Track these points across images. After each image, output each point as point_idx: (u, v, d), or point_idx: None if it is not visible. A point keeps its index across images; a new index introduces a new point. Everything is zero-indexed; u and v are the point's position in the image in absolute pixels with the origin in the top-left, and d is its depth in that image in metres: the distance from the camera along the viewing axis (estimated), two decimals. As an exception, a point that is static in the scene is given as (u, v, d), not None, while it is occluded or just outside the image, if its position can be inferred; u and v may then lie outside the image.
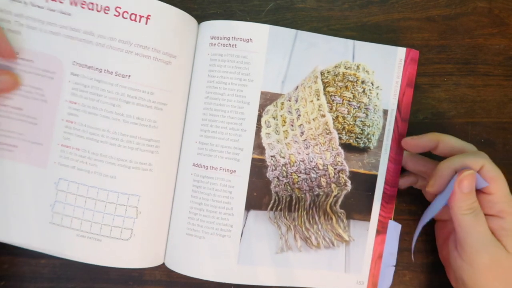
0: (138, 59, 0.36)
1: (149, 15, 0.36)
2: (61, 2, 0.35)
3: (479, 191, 0.34)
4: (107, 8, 0.35)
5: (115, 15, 0.35)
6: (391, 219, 0.39)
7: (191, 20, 0.39)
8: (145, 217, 0.37)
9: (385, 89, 0.39)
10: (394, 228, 0.39)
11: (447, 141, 0.36)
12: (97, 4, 0.35)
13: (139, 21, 0.36)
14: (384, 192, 0.39)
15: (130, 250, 0.37)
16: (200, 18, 0.40)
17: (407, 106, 0.39)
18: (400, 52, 0.39)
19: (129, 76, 0.36)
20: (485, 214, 0.34)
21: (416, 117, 0.42)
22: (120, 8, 0.35)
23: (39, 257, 0.40)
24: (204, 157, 0.38)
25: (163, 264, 0.39)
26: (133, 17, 0.36)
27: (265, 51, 0.38)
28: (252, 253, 0.38)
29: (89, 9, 0.35)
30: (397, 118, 0.39)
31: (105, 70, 0.36)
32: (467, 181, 0.32)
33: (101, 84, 0.36)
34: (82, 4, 0.35)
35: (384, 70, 0.39)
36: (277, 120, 0.39)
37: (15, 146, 0.36)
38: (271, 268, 0.38)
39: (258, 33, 0.38)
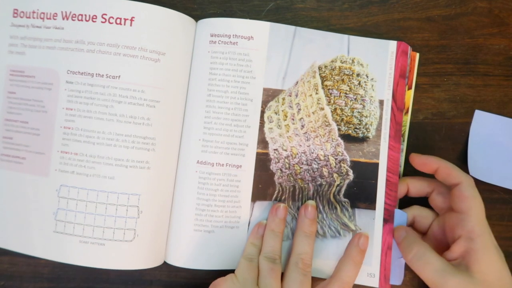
0: (126, 60, 0.37)
1: (133, 17, 0.37)
2: (54, 19, 0.38)
3: (452, 211, 0.35)
4: (94, 17, 0.37)
5: (102, 21, 0.37)
6: (396, 208, 0.39)
7: (183, 17, 0.39)
8: (147, 216, 0.37)
9: (380, 81, 0.40)
10: (400, 217, 0.39)
11: (446, 168, 0.36)
12: (85, 15, 0.37)
13: (124, 24, 0.37)
14: (387, 180, 0.39)
15: (134, 251, 0.37)
16: (200, 18, 0.40)
17: (401, 96, 0.40)
18: (392, 45, 0.40)
19: (118, 76, 0.37)
20: (456, 237, 0.34)
21: (416, 117, 0.42)
22: (106, 14, 0.37)
23: (39, 257, 0.40)
24: (209, 154, 0.39)
25: (163, 264, 0.39)
26: (118, 21, 0.37)
27: (266, 48, 0.39)
28: None
29: (79, 20, 0.38)
30: (393, 107, 0.40)
31: (96, 74, 0.37)
32: (396, 234, 0.37)
33: (94, 87, 0.37)
34: (73, 17, 0.38)
35: (377, 63, 0.40)
36: (278, 115, 0.39)
37: (23, 158, 0.38)
38: None
39: (259, 30, 0.39)
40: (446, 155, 0.42)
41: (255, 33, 0.39)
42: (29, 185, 0.38)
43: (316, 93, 0.39)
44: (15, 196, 0.38)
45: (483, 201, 0.41)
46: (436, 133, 0.42)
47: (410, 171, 0.40)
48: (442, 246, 0.37)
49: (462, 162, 0.42)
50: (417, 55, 0.42)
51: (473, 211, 0.34)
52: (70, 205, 0.37)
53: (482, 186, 0.41)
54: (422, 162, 0.37)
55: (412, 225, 0.39)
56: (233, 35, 0.39)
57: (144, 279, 0.41)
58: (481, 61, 0.42)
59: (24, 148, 0.38)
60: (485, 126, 0.41)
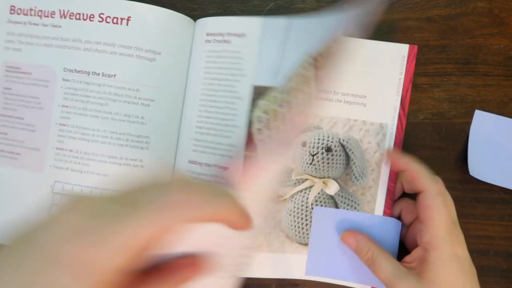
0: (122, 59, 0.37)
1: (129, 17, 0.37)
2: (52, 17, 0.38)
3: (417, 218, 0.36)
4: (92, 16, 0.38)
5: (99, 21, 0.38)
6: (390, 216, 0.39)
7: (180, 17, 0.39)
8: None
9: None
10: (396, 226, 0.38)
11: (414, 172, 0.36)
12: (83, 14, 0.38)
13: (121, 23, 0.38)
14: (388, 190, 0.39)
15: None
16: (200, 18, 0.40)
17: (408, 102, 0.39)
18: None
19: (114, 75, 0.37)
20: (418, 243, 0.35)
21: (416, 117, 0.42)
22: (103, 14, 0.38)
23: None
24: (199, 154, 0.38)
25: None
26: (115, 20, 0.38)
27: (258, 45, 0.38)
28: None
29: (77, 19, 0.38)
30: (401, 114, 0.39)
31: (92, 72, 0.37)
32: (347, 240, 0.37)
33: (90, 86, 0.37)
34: (70, 15, 0.38)
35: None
36: (268, 114, 0.38)
37: (18, 154, 0.38)
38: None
39: (251, 26, 0.38)
40: (446, 155, 0.42)
41: (247, 29, 0.38)
42: (23, 180, 0.38)
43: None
44: (9, 191, 0.38)
45: (483, 201, 0.42)
46: (436, 133, 0.42)
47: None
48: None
49: (462, 162, 0.42)
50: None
51: (433, 223, 0.33)
52: (64, 201, 0.37)
53: (482, 186, 0.41)
54: (394, 158, 0.38)
55: (398, 217, 0.39)
56: (227, 33, 0.38)
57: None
58: (481, 61, 0.42)
59: (19, 144, 0.38)
60: (485, 126, 0.41)
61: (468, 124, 0.42)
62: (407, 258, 0.36)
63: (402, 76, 0.39)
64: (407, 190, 0.39)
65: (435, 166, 0.41)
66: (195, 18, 0.40)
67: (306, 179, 0.39)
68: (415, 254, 0.35)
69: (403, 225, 0.39)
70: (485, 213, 0.42)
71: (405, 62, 0.39)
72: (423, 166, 0.36)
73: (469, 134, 0.41)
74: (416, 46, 0.39)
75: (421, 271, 0.33)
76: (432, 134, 0.42)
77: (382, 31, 0.42)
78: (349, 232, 0.37)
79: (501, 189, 0.41)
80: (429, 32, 0.42)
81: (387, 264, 0.34)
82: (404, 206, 0.39)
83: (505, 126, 0.41)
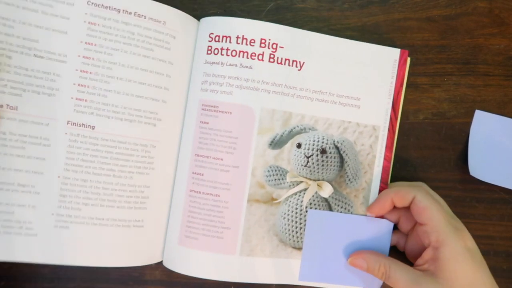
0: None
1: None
2: None
3: (417, 223, 0.37)
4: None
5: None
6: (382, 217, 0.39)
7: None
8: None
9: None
10: (387, 227, 0.39)
11: (397, 193, 0.37)
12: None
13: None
14: (380, 191, 0.39)
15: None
16: (201, 18, 0.40)
17: (399, 106, 0.39)
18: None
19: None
20: (424, 245, 0.35)
21: (416, 117, 0.42)
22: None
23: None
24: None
25: (164, 264, 0.39)
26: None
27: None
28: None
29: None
30: (392, 117, 0.39)
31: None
32: (356, 263, 0.37)
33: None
34: None
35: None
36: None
37: None
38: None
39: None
40: (446, 155, 0.42)
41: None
42: None
43: None
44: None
45: (483, 201, 0.42)
46: (436, 133, 0.42)
47: (397, 177, 0.40)
48: (423, 247, 0.37)
49: (462, 162, 0.42)
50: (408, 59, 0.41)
51: (433, 221, 0.34)
52: None
53: (482, 186, 0.41)
54: (379, 209, 0.38)
55: (396, 224, 0.39)
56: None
57: (145, 279, 0.41)
58: (481, 61, 0.42)
59: None
60: (485, 126, 0.41)
61: (468, 124, 0.42)
62: (419, 261, 0.36)
63: (394, 80, 0.39)
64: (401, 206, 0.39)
65: (435, 166, 0.42)
66: (195, 18, 0.40)
67: (301, 182, 0.39)
68: (426, 255, 0.35)
69: (402, 234, 0.39)
70: (485, 213, 0.42)
71: (396, 66, 0.39)
72: (396, 185, 0.38)
73: (469, 134, 0.42)
74: (407, 51, 0.39)
75: (436, 270, 0.34)
76: (432, 134, 0.42)
77: (381, 31, 0.42)
78: (356, 253, 0.37)
79: (501, 189, 0.41)
80: (429, 32, 0.42)
81: (402, 273, 0.34)
82: (402, 213, 0.39)
83: (505, 126, 0.41)
